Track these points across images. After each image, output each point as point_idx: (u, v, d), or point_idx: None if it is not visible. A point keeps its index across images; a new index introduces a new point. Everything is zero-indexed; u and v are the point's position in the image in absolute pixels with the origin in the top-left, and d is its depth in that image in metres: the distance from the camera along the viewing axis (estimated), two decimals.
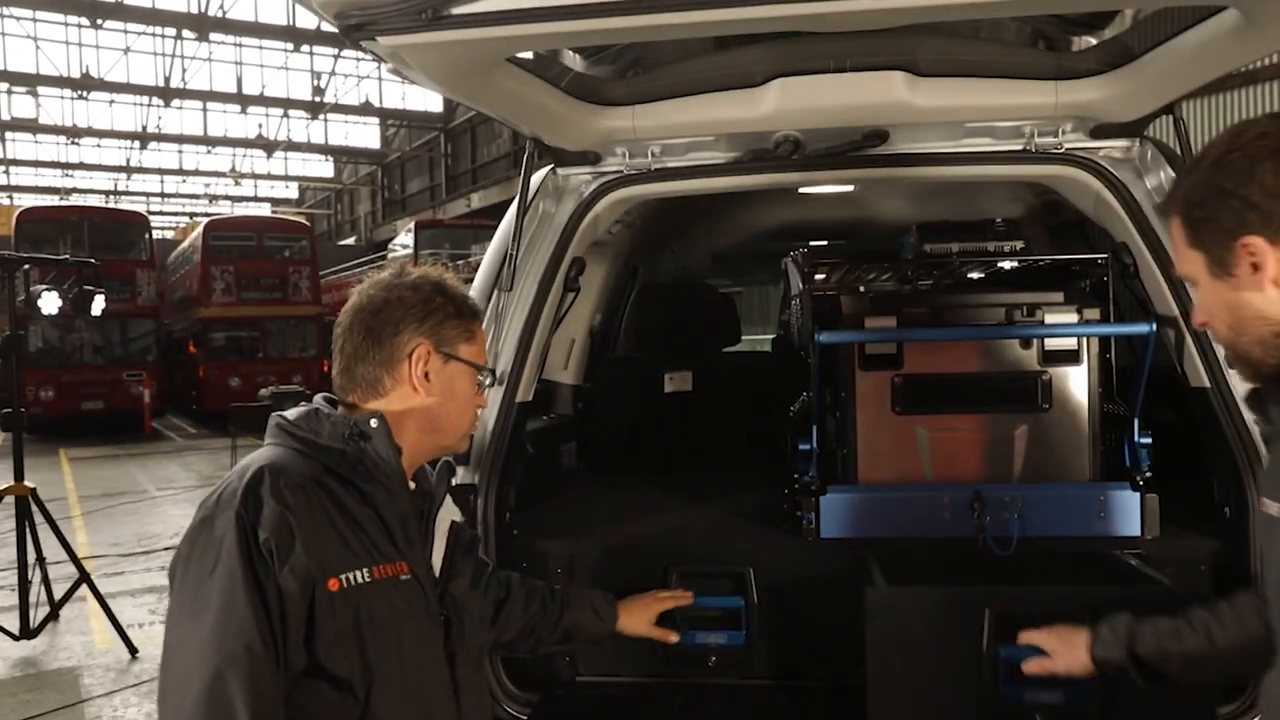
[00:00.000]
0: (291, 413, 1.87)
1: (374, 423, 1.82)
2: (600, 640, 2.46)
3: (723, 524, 3.16)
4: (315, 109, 33.49)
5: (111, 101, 32.32)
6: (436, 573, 1.94)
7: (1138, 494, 2.75)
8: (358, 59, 31.74)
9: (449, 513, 2.03)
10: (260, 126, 34.59)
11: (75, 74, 29.73)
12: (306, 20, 29.99)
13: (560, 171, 3.20)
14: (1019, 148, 2.97)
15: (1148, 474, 2.77)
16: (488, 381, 1.99)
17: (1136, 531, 2.75)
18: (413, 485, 1.97)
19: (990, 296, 2.95)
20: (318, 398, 1.93)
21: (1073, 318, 2.86)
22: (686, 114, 2.99)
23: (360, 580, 1.74)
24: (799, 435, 2.95)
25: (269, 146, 34.95)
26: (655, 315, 4.48)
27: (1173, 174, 2.87)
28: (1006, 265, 3.22)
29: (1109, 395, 2.96)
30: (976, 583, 2.58)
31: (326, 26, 2.35)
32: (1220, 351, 2.72)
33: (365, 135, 38.48)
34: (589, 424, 4.41)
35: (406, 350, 1.88)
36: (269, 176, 39.70)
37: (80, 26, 28.86)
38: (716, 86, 2.95)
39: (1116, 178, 2.90)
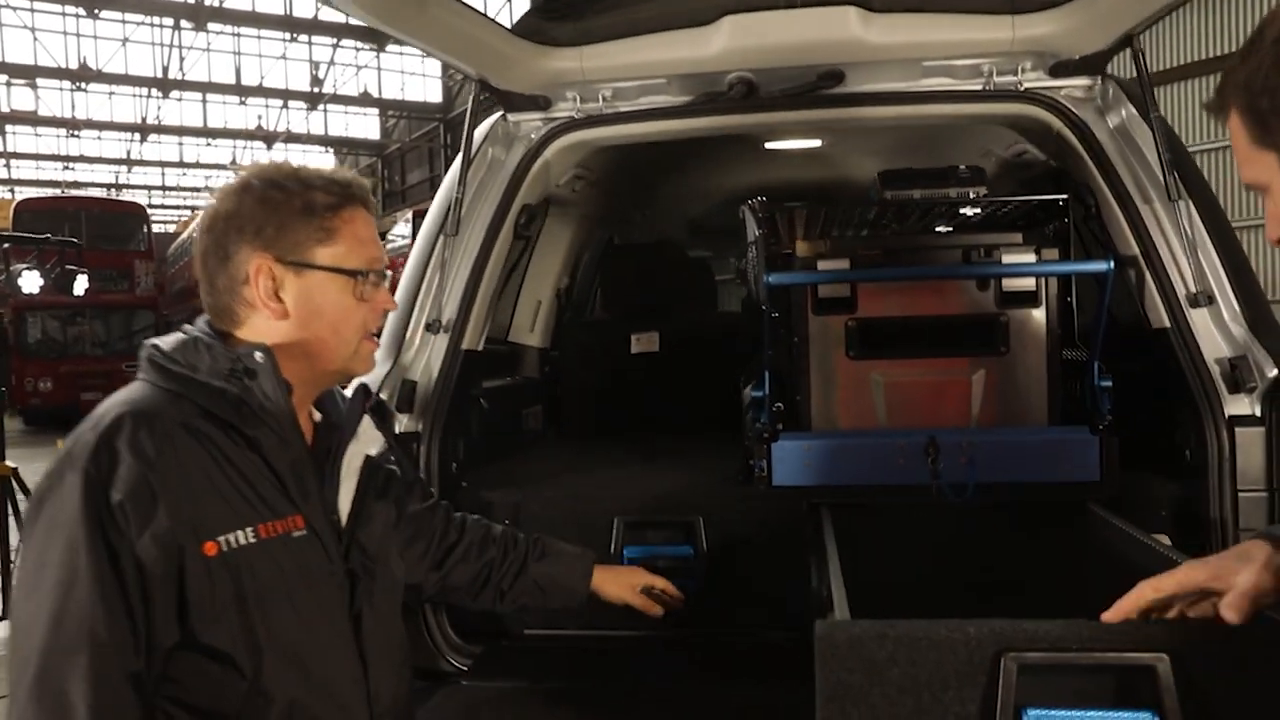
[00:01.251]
0: (167, 341, 1.60)
1: (259, 356, 1.55)
2: (573, 601, 2.23)
3: (675, 475, 3.10)
4: (314, 100, 33.41)
5: (111, 94, 32.28)
6: (344, 518, 1.66)
7: (1097, 438, 2.67)
8: (356, 48, 31.68)
9: (364, 445, 1.76)
10: (260, 118, 34.53)
11: (74, 66, 29.70)
12: (304, 9, 29.94)
13: (511, 118, 3.13)
14: (978, 87, 2.90)
15: (1108, 418, 2.69)
16: (372, 281, 1.65)
17: (1096, 476, 2.67)
18: (317, 417, 1.72)
19: (947, 239, 2.88)
20: (199, 321, 1.65)
21: (1031, 258, 2.78)
22: (636, 54, 2.93)
23: (243, 541, 1.49)
24: (753, 384, 2.87)
25: (269, 138, 34.85)
26: (623, 277, 4.41)
27: (1134, 112, 2.80)
28: (970, 212, 3.13)
29: (1070, 339, 2.88)
30: (945, 559, 2.51)
31: (324, 15, 2.27)
32: (1181, 291, 2.65)
33: (365, 126, 38.37)
34: (556, 387, 4.35)
35: (245, 270, 1.58)
36: None
37: (78, 17, 28.83)
38: (666, 25, 2.89)
39: (1077, 116, 2.83)
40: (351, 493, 1.69)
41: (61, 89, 31.42)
